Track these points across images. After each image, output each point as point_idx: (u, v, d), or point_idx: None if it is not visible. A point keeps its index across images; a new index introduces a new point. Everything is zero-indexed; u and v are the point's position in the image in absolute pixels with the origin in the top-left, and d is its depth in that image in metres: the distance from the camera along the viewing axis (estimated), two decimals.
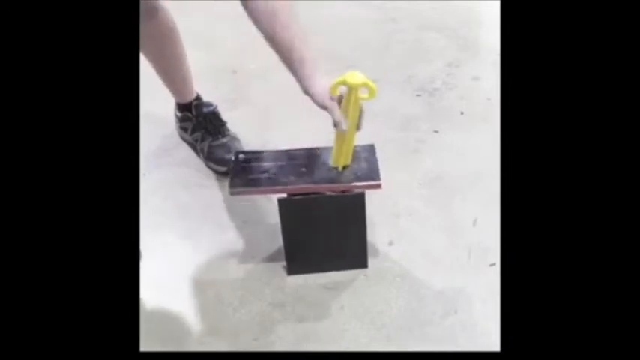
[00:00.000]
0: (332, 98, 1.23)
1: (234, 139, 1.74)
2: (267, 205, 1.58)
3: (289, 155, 1.41)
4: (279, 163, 1.39)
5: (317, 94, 1.22)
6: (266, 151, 1.44)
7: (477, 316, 1.33)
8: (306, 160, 1.40)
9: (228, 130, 1.75)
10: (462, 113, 1.87)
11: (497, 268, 1.41)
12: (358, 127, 1.29)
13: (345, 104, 1.24)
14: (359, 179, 1.34)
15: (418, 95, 1.93)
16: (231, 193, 1.35)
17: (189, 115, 1.74)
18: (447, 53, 2.10)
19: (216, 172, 1.71)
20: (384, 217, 1.55)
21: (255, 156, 1.43)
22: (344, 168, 1.36)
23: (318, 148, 1.41)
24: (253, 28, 1.26)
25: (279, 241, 1.43)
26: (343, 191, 1.35)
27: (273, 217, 1.42)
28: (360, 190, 1.35)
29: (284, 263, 1.44)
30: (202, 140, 1.73)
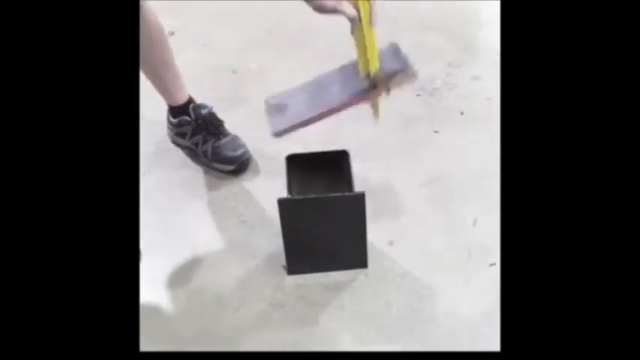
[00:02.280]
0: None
1: (235, 136, 1.74)
2: (267, 204, 1.58)
3: (319, 82, 1.36)
4: (313, 91, 1.34)
5: None
6: (295, 87, 1.37)
7: (477, 315, 1.33)
8: (337, 78, 1.35)
9: (226, 129, 1.75)
10: (462, 113, 1.87)
11: (497, 268, 1.41)
12: (371, 22, 1.26)
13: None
14: (393, 75, 1.27)
15: (418, 95, 1.93)
16: (275, 134, 1.28)
17: (188, 118, 1.72)
18: (447, 53, 2.10)
19: (221, 171, 1.70)
20: (384, 217, 1.55)
21: (286, 94, 1.36)
22: (375, 73, 1.28)
23: (344, 65, 1.36)
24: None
25: (279, 241, 1.43)
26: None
27: (273, 216, 1.42)
28: (361, 191, 1.35)
29: (284, 263, 1.44)
30: (204, 142, 1.72)
